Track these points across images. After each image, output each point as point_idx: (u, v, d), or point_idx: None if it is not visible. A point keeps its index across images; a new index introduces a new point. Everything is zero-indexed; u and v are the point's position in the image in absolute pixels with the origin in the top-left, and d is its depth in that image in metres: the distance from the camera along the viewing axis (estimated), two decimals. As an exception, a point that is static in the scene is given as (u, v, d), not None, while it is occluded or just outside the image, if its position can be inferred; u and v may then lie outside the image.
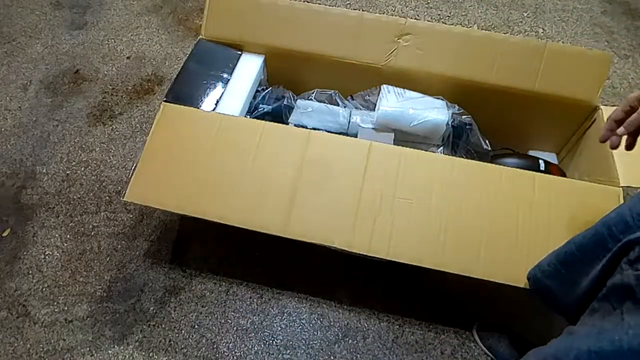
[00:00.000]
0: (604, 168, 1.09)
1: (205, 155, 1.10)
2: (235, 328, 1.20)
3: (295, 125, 1.27)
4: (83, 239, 1.35)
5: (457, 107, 1.22)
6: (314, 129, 1.23)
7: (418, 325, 1.21)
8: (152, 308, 1.23)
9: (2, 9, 1.96)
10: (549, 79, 1.19)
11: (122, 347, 1.17)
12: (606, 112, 1.16)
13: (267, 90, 1.31)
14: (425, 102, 1.21)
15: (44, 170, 1.49)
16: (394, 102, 1.20)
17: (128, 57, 1.78)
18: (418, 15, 1.93)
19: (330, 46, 1.26)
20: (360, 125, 1.24)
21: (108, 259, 1.31)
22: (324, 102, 1.33)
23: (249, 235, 1.03)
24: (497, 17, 1.93)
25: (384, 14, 1.93)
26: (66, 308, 1.23)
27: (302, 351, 1.17)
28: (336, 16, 1.26)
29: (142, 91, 1.69)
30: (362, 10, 1.33)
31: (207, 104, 1.21)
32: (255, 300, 1.24)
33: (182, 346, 1.17)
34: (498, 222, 1.01)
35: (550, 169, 1.22)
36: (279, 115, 1.29)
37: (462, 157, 1.24)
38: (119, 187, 1.44)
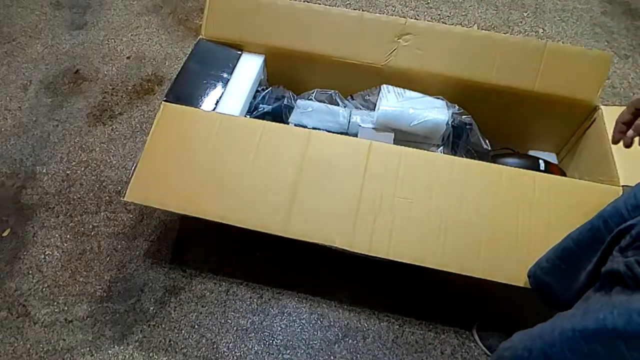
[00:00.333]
0: (603, 168, 1.09)
1: (205, 155, 1.10)
2: (235, 328, 1.20)
3: (295, 125, 1.27)
4: (83, 239, 1.35)
5: (457, 107, 1.22)
6: (314, 128, 1.23)
7: (418, 325, 1.21)
8: (152, 308, 1.23)
9: (2, 9, 1.96)
10: (548, 78, 1.19)
11: (122, 347, 1.17)
12: (606, 112, 1.16)
13: (267, 90, 1.32)
14: (425, 102, 1.21)
15: (44, 170, 1.49)
16: (394, 102, 1.21)
17: (128, 57, 1.79)
18: (418, 15, 1.93)
19: (330, 46, 1.26)
20: (360, 125, 1.24)
21: (108, 259, 1.31)
22: (324, 102, 1.33)
23: (249, 235, 1.03)
24: (497, 17, 1.93)
25: (384, 14, 1.93)
26: (66, 308, 1.23)
27: (302, 351, 1.17)
28: (336, 16, 1.26)
29: (142, 91, 1.69)
30: (362, 10, 1.33)
31: (207, 103, 1.21)
32: (255, 300, 1.24)
33: (182, 346, 1.17)
34: (498, 222, 1.01)
35: (550, 168, 1.22)
36: (279, 115, 1.29)
37: (462, 156, 1.24)
38: (119, 187, 1.44)
